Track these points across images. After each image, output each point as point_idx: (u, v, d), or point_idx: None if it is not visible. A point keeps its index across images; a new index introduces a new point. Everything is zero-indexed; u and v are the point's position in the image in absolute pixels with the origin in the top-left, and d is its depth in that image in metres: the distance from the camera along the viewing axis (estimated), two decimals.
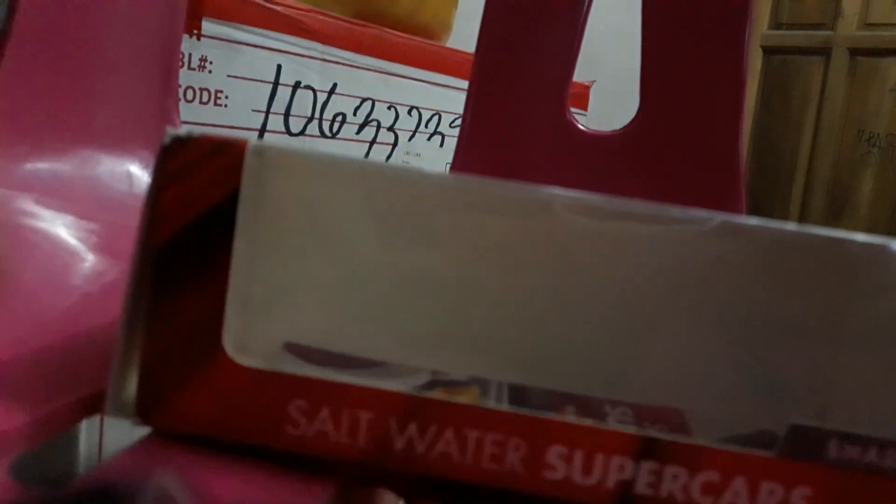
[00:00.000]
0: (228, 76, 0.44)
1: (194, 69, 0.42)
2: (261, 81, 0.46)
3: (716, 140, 0.34)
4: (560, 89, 0.37)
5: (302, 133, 0.49)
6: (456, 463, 0.13)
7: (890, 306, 0.13)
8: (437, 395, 0.13)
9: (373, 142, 0.54)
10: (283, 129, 0.48)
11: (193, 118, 0.43)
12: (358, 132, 0.53)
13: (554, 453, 0.13)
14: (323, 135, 0.50)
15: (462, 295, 0.13)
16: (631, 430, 0.13)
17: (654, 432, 0.13)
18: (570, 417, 0.13)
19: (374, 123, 0.54)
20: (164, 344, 0.13)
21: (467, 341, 0.14)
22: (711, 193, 0.34)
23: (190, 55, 0.42)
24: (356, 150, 0.53)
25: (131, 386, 0.13)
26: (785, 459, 0.13)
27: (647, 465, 0.13)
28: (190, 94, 0.42)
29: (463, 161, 0.38)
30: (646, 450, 0.13)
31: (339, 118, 0.51)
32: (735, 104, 0.33)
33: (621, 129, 0.37)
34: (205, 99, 0.43)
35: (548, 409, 0.13)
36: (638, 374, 0.13)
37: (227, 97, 0.44)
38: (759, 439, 0.13)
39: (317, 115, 0.49)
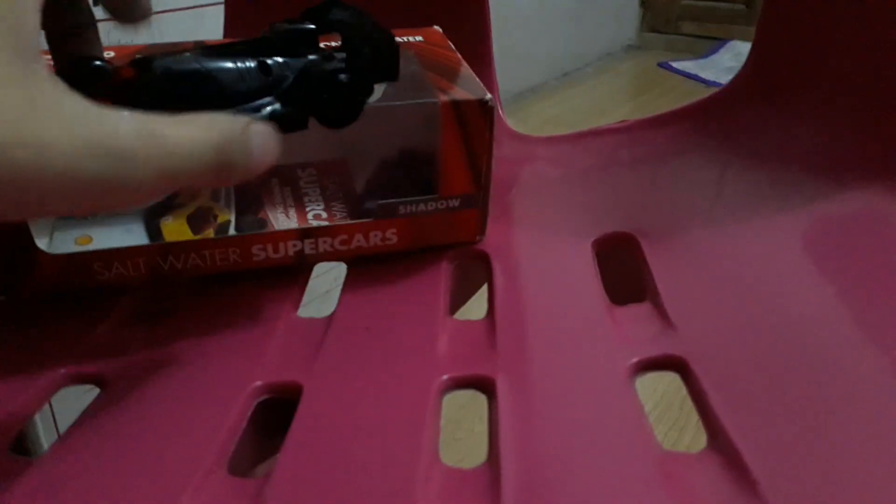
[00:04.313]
0: None
1: None
2: None
3: None
4: None
5: None
6: (202, 267, 0.23)
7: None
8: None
9: None
10: None
11: None
12: None
13: (257, 247, 0.23)
14: None
15: None
16: (294, 224, 0.24)
17: (312, 223, 0.24)
18: (274, 184, 0.24)
19: None
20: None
21: None
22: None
23: None
24: None
25: None
26: (380, 220, 0.24)
27: (309, 241, 0.24)
28: None
29: None
30: (306, 233, 0.24)
31: None
32: None
33: None
34: None
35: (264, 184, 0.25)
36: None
37: None
38: (363, 214, 0.24)
39: None
